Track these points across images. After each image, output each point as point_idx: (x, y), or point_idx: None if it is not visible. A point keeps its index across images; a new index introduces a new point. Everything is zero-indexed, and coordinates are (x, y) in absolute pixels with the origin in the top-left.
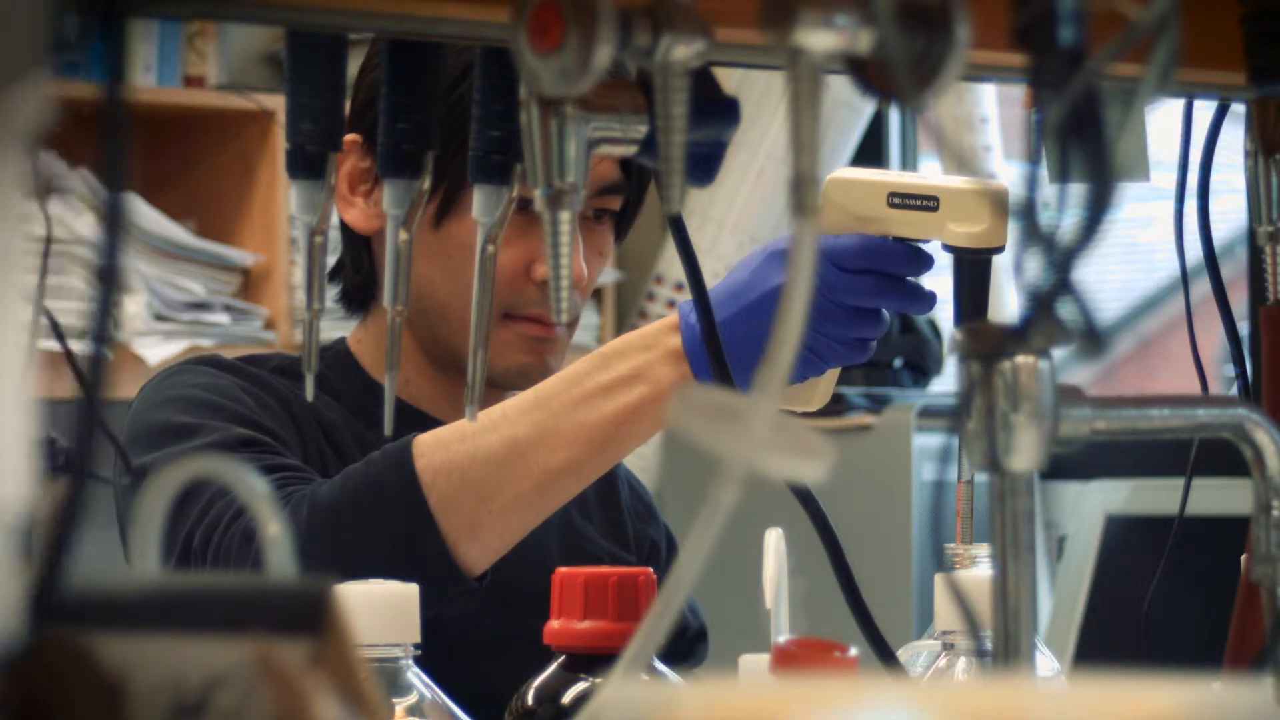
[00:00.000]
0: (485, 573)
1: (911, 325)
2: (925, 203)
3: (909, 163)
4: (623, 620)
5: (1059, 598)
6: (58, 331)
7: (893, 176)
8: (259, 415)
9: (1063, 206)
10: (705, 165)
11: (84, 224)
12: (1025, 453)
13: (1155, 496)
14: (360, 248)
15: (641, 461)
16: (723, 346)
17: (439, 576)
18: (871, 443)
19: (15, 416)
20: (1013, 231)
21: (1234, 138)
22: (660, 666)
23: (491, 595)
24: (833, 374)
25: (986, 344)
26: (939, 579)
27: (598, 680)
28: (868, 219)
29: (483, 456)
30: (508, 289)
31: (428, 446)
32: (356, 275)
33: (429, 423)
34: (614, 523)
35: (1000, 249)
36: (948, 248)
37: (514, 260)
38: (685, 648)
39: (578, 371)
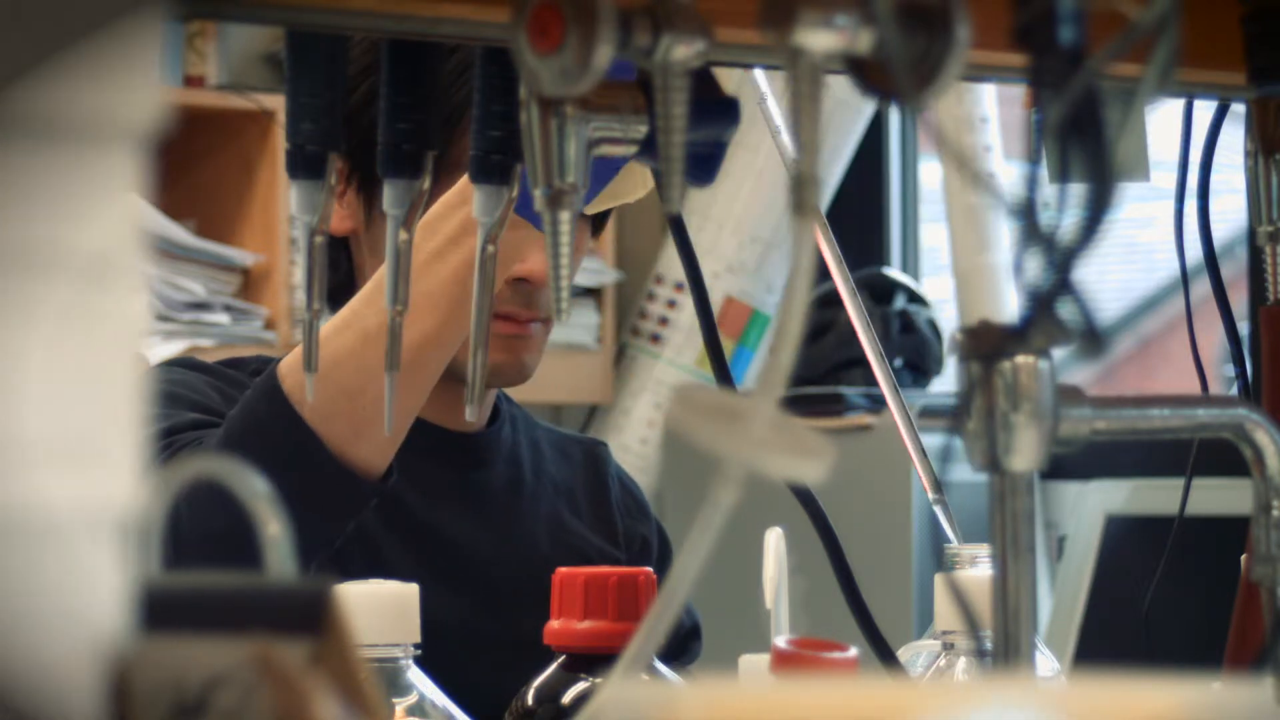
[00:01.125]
0: (390, 471)
1: (911, 325)
2: None
3: (909, 163)
4: (623, 620)
5: (1059, 598)
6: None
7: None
8: (220, 406)
9: (1063, 206)
10: (705, 165)
11: None
12: (1025, 453)
13: (1155, 496)
14: (337, 248)
15: (641, 462)
16: None
17: (338, 486)
18: (871, 443)
19: (125, 419)
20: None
21: (1234, 138)
22: (660, 666)
23: (478, 594)
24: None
25: (986, 344)
26: (939, 579)
27: (598, 680)
28: (621, 192)
29: (342, 357)
30: None
31: (290, 366)
32: (334, 276)
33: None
34: (603, 519)
35: None
36: None
37: None
38: (679, 645)
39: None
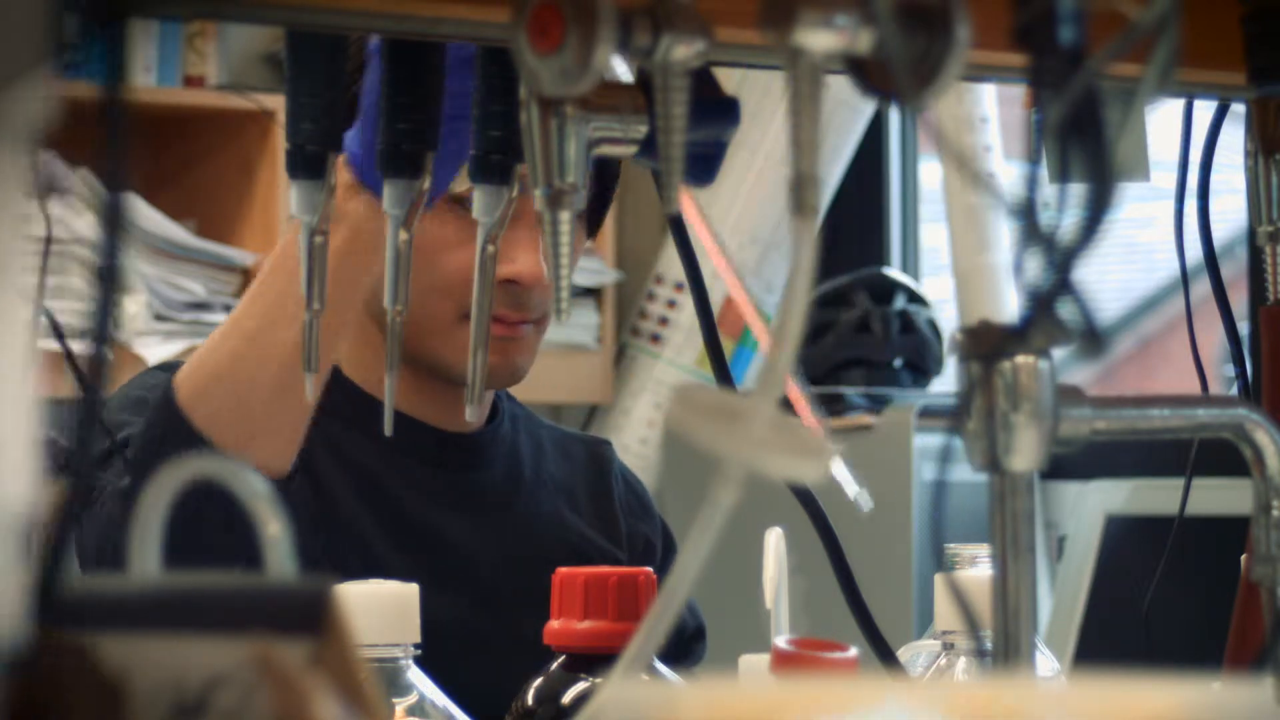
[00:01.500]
0: (292, 474)
1: (911, 325)
2: None
3: (909, 163)
4: (623, 620)
5: (1059, 598)
6: (58, 331)
7: None
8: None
9: (1063, 206)
10: (705, 165)
11: (84, 224)
12: (1025, 453)
13: (1155, 496)
14: None
15: (641, 461)
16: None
17: None
18: (871, 443)
19: (17, 416)
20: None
21: (1234, 138)
22: (660, 666)
23: (475, 594)
24: None
25: (986, 344)
26: (939, 579)
27: (598, 680)
28: None
29: (226, 361)
30: (468, 289)
31: (183, 376)
32: None
33: (406, 422)
34: (605, 518)
35: None
36: None
37: (473, 260)
38: (683, 647)
39: (281, 246)
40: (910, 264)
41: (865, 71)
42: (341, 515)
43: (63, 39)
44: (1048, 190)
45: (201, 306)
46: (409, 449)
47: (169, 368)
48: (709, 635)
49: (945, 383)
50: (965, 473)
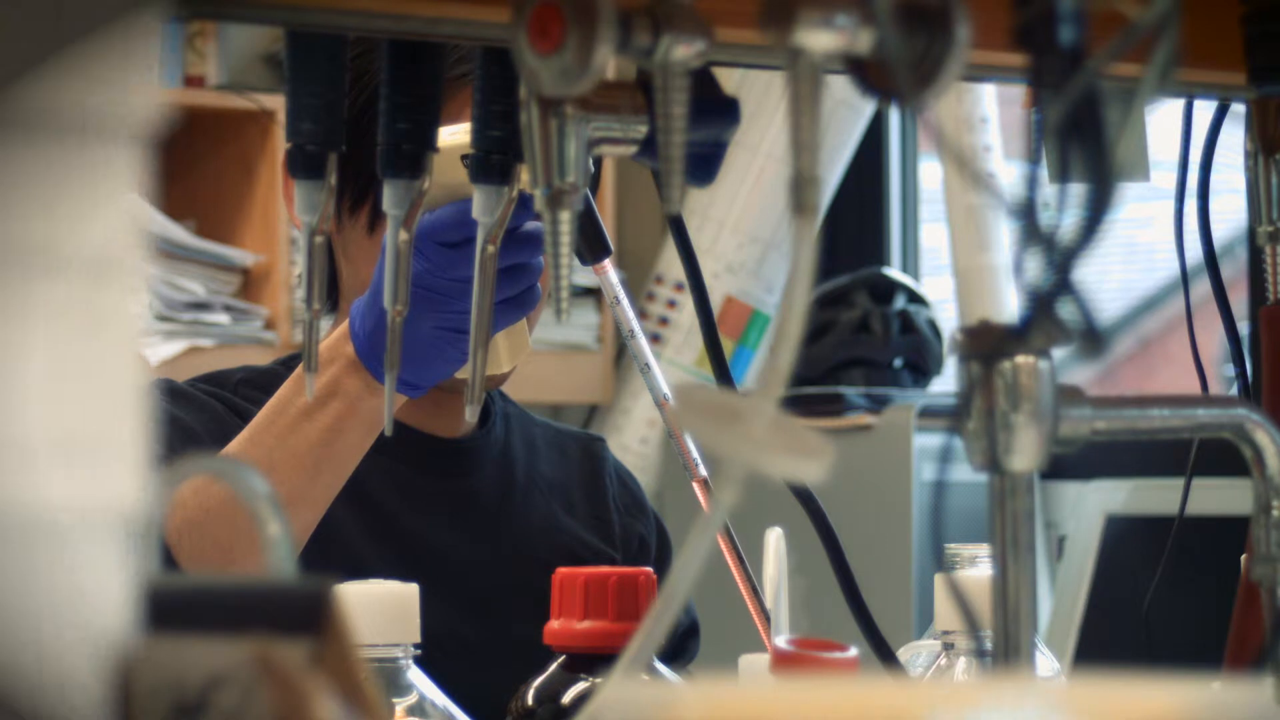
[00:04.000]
0: None
1: (911, 325)
2: None
3: (909, 163)
4: (623, 620)
5: (1059, 598)
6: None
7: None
8: (178, 447)
9: (1063, 206)
10: (705, 165)
11: None
12: (1025, 453)
13: (1155, 496)
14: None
15: (641, 461)
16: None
17: None
18: (871, 443)
19: (128, 413)
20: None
21: (1234, 138)
22: (660, 666)
23: (467, 601)
24: (511, 331)
25: (986, 344)
26: (939, 579)
27: (598, 680)
28: (455, 185)
29: (215, 508)
30: None
31: (170, 507)
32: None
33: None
34: (599, 517)
35: None
36: None
37: None
38: (677, 644)
39: (282, 397)
40: (910, 264)
41: (865, 71)
42: (330, 523)
43: (160, 38)
44: (1048, 190)
45: (201, 306)
46: (399, 456)
47: (159, 387)
48: (709, 635)
49: (945, 383)
50: (965, 473)
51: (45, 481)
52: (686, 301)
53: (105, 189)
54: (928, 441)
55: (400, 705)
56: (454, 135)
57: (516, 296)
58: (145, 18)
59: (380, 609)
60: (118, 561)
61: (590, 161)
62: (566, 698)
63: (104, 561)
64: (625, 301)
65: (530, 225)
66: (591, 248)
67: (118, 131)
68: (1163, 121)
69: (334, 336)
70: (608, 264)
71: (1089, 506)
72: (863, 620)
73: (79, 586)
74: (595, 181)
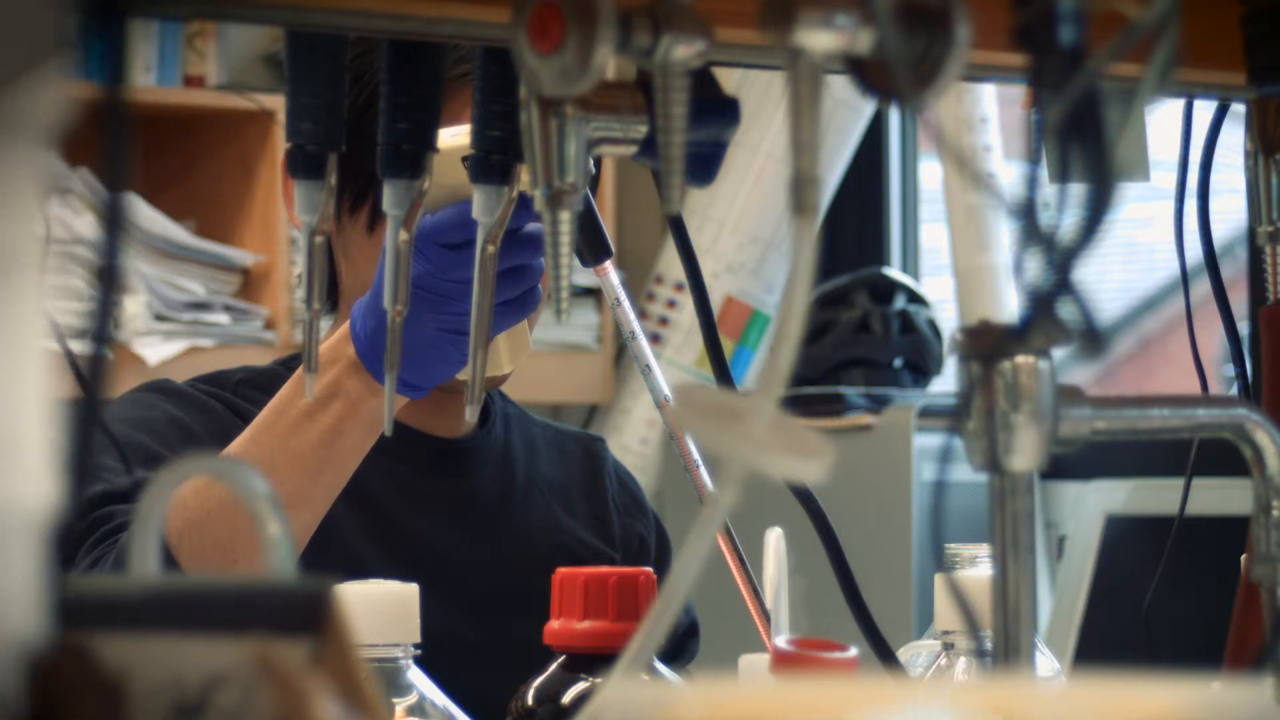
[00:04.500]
0: None
1: (911, 325)
2: None
3: (909, 163)
4: (623, 620)
5: (1059, 598)
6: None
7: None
8: (178, 447)
9: (1063, 206)
10: (705, 165)
11: (84, 224)
12: (1025, 453)
13: (1155, 496)
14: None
15: (641, 461)
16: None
17: None
18: (871, 443)
19: (34, 417)
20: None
21: (1234, 138)
22: (660, 666)
23: (467, 602)
24: (511, 333)
25: (986, 344)
26: (939, 579)
27: (598, 680)
28: (457, 186)
29: (215, 509)
30: None
31: (171, 508)
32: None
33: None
34: (599, 517)
35: None
36: None
37: None
38: (677, 643)
39: (283, 398)
40: (910, 264)
41: (865, 71)
42: (330, 522)
43: (71, 36)
44: (1048, 190)
45: (201, 306)
46: (399, 456)
47: (155, 389)
48: (709, 635)
49: (945, 383)
50: (965, 473)
51: None
52: (686, 301)
53: (13, 191)
54: (928, 441)
55: (400, 705)
56: (455, 137)
57: (517, 298)
58: (56, 16)
59: (380, 609)
60: (29, 563)
61: (591, 162)
62: (566, 698)
63: (15, 563)
64: (626, 303)
65: (531, 227)
66: (592, 249)
67: (22, 132)
68: (1163, 121)
69: (335, 338)
70: (609, 266)
71: (1089, 506)
72: (863, 620)
73: None
74: (595, 182)
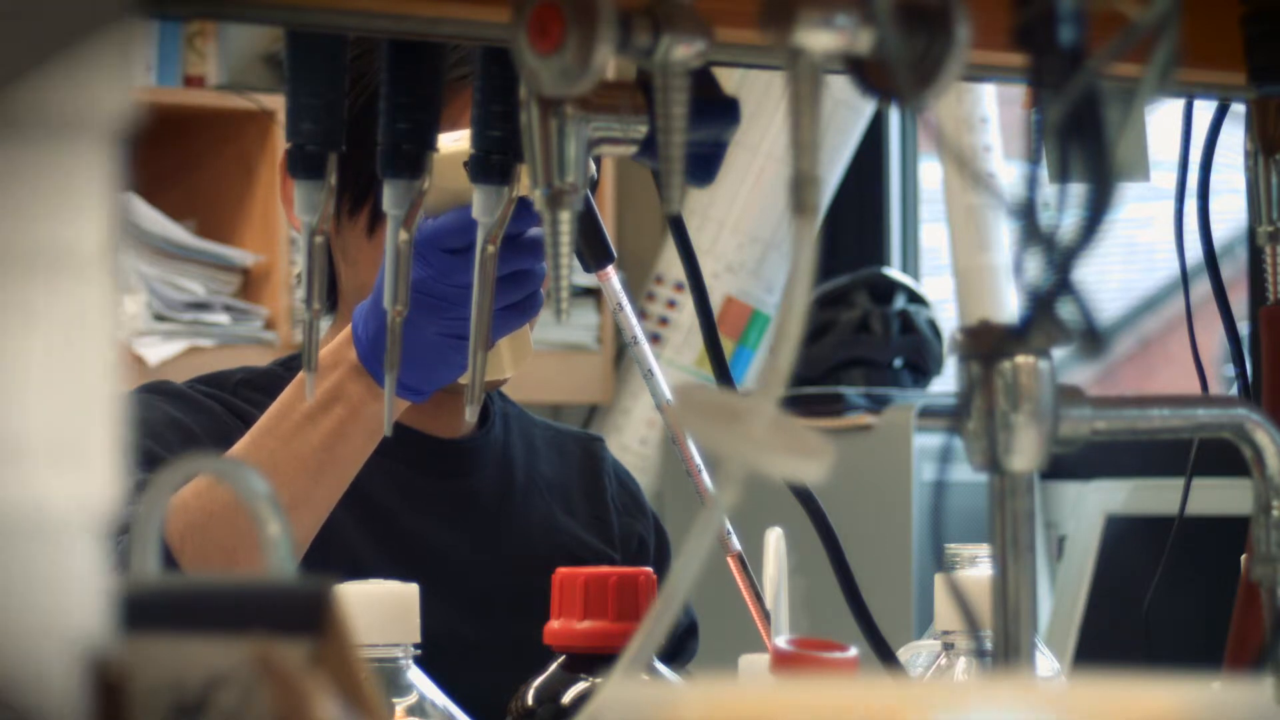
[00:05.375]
0: None
1: (911, 325)
2: None
3: (909, 163)
4: (623, 620)
5: (1059, 598)
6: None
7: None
8: (177, 447)
9: (1063, 206)
10: (705, 165)
11: None
12: (1025, 453)
13: (1155, 496)
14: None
15: (641, 461)
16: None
17: None
18: (871, 443)
19: (103, 415)
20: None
21: (1234, 138)
22: (660, 666)
23: (467, 602)
24: (513, 336)
25: (986, 344)
26: (939, 579)
27: (598, 680)
28: (458, 191)
29: (217, 511)
30: None
31: (172, 510)
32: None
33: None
34: (598, 517)
35: None
36: None
37: None
38: (676, 643)
39: (285, 401)
40: (910, 264)
41: (865, 71)
42: (331, 523)
43: (136, 33)
44: (1048, 190)
45: (201, 306)
46: (399, 456)
47: (154, 389)
48: (709, 635)
49: (945, 383)
50: (965, 473)
51: (24, 481)
52: (686, 301)
53: (82, 188)
54: (928, 441)
55: (400, 705)
56: (457, 142)
57: (519, 303)
58: (122, 18)
59: (380, 609)
60: (96, 562)
61: (592, 165)
62: (566, 698)
63: (83, 562)
64: (628, 308)
65: (533, 232)
66: (594, 254)
67: (94, 131)
68: (1163, 121)
69: (337, 341)
70: (610, 270)
71: (1089, 506)
72: (863, 620)
73: (58, 587)
74: (594, 183)
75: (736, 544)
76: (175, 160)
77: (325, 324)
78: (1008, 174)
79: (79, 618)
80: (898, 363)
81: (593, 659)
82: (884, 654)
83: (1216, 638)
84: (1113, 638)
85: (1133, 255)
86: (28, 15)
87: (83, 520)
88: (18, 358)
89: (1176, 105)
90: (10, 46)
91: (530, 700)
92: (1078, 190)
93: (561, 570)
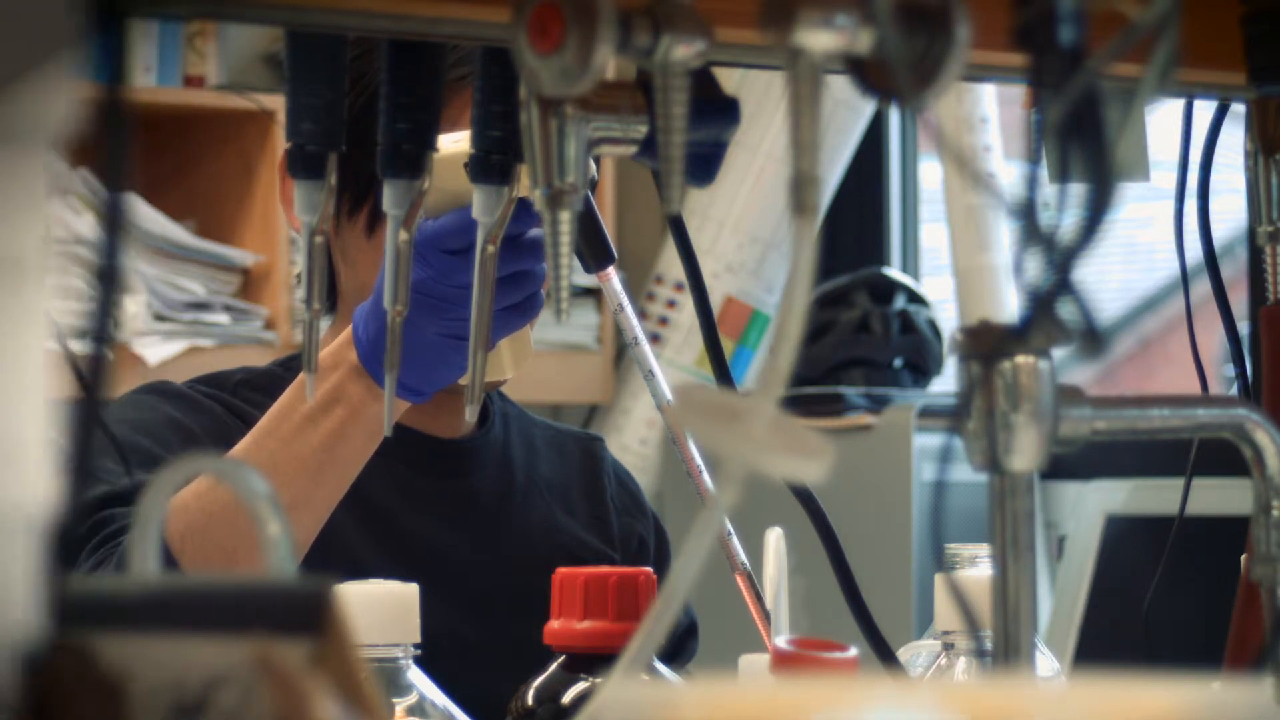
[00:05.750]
0: None
1: (911, 325)
2: None
3: (909, 163)
4: (623, 620)
5: (1059, 598)
6: (59, 332)
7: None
8: (177, 448)
9: (1063, 206)
10: (705, 165)
11: (84, 224)
12: (1025, 453)
13: (1155, 496)
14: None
15: (641, 462)
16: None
17: None
18: (871, 443)
19: (36, 418)
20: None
21: (1234, 138)
22: (660, 666)
23: (467, 602)
24: (514, 337)
25: (986, 344)
26: (939, 579)
27: (598, 680)
28: (458, 192)
29: (217, 512)
30: None
31: (173, 511)
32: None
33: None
34: (598, 517)
35: None
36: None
37: None
38: (676, 643)
39: (285, 402)
40: (910, 264)
41: (865, 71)
42: (330, 523)
43: (78, 36)
44: (1048, 190)
45: (201, 306)
46: (399, 456)
47: (154, 390)
48: (709, 635)
49: (945, 383)
50: (965, 473)
51: None
52: (686, 301)
53: (17, 195)
54: (928, 441)
55: (400, 705)
56: (457, 143)
57: (520, 304)
58: (64, 21)
59: (380, 609)
60: (28, 562)
61: (594, 165)
62: (566, 698)
63: (14, 562)
64: (629, 309)
65: (533, 232)
66: (595, 254)
67: (31, 136)
68: (1163, 121)
69: (338, 343)
70: (611, 271)
71: (1089, 506)
72: (863, 620)
73: None
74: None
75: (743, 558)
76: (175, 160)
77: (325, 324)
78: (1008, 174)
79: (16, 618)
80: (898, 363)
81: (593, 659)
82: (884, 654)
83: (1216, 638)
84: (1113, 638)
85: (1133, 255)
86: None
87: (7, 522)
88: None
89: (1176, 105)
90: None
91: (530, 700)
92: (1078, 190)
93: (561, 570)
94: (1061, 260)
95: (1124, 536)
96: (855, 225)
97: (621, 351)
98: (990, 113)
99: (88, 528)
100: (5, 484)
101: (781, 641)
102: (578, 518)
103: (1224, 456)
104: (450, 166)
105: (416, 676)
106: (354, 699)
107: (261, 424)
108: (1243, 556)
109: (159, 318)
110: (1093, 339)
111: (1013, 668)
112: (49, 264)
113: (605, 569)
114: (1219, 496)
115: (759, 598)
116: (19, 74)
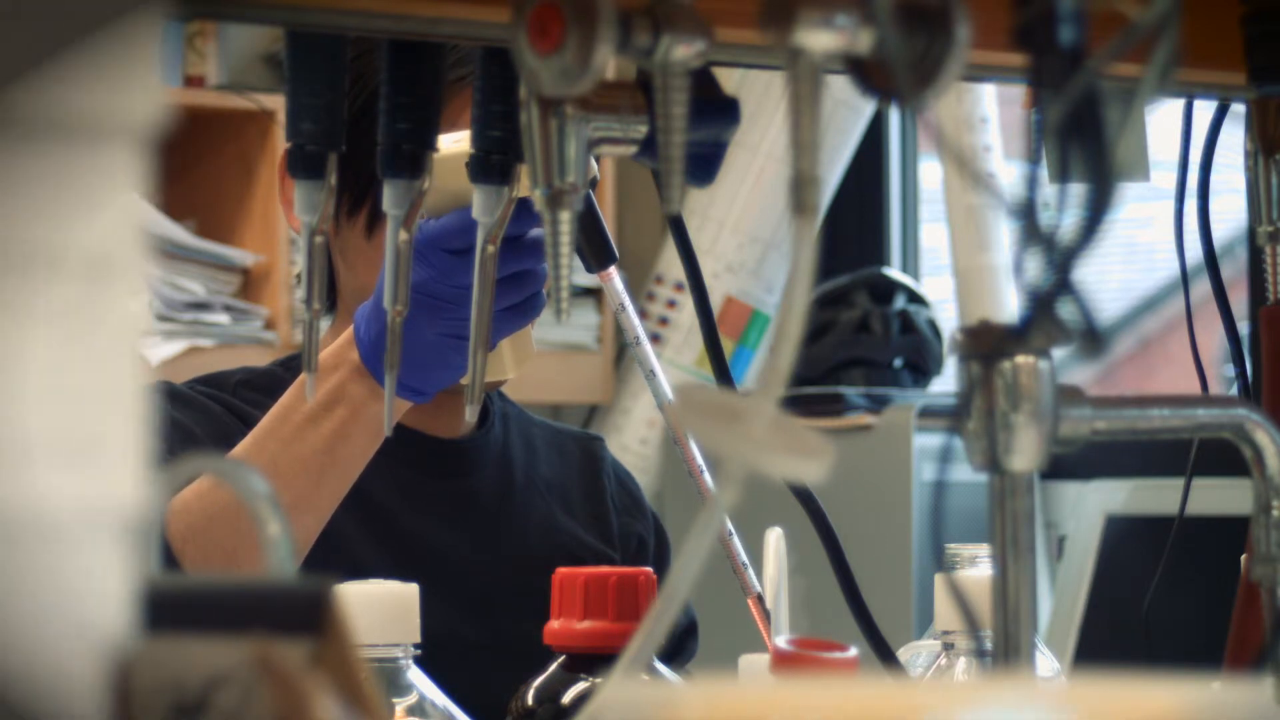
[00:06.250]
0: None
1: (911, 325)
2: None
3: (909, 163)
4: (623, 620)
5: (1059, 598)
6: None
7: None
8: (178, 449)
9: (1063, 206)
10: (705, 165)
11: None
12: (1025, 453)
13: (1155, 496)
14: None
15: (641, 462)
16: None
17: None
18: (871, 443)
19: (128, 413)
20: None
21: (1234, 138)
22: (660, 666)
23: (467, 602)
24: (515, 338)
25: (986, 344)
26: (939, 579)
27: (598, 680)
28: (459, 192)
29: (218, 514)
30: None
31: (174, 512)
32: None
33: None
34: (598, 517)
35: None
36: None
37: None
38: (676, 643)
39: (286, 403)
40: (910, 264)
41: (865, 71)
42: (331, 523)
43: (160, 35)
44: (1048, 190)
45: (201, 306)
46: (399, 456)
47: (157, 389)
48: (709, 635)
49: (945, 383)
50: (965, 473)
51: (44, 481)
52: (686, 301)
53: (105, 190)
54: (928, 441)
55: (400, 705)
56: (458, 143)
57: (520, 304)
58: (145, 18)
59: (380, 609)
60: (116, 562)
61: (594, 165)
62: (566, 698)
63: (103, 562)
64: (630, 309)
65: (534, 233)
66: (597, 254)
67: (118, 132)
68: (1163, 121)
69: (339, 343)
70: (613, 270)
71: (1089, 506)
72: (863, 620)
73: (78, 587)
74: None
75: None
76: (175, 160)
77: (325, 324)
78: (1008, 174)
79: (97, 620)
80: (898, 363)
81: (593, 659)
82: (884, 654)
83: (1216, 638)
84: (1113, 638)
85: (1133, 255)
86: (49, 13)
87: (97, 521)
88: (33, 359)
89: (1176, 105)
90: (30, 44)
91: (530, 700)
92: (1078, 190)
93: (561, 570)
94: (1061, 260)
95: (1124, 536)
96: (855, 225)
97: (622, 351)
98: (990, 113)
99: None
100: (99, 482)
101: (781, 641)
102: (577, 518)
103: (1224, 456)
104: (450, 166)
105: (416, 676)
106: (354, 699)
107: (262, 424)
108: (1243, 556)
109: (159, 318)
110: (1093, 339)
111: (1013, 668)
112: (135, 260)
113: (605, 569)
114: (1219, 496)
115: (760, 602)
116: (100, 69)
